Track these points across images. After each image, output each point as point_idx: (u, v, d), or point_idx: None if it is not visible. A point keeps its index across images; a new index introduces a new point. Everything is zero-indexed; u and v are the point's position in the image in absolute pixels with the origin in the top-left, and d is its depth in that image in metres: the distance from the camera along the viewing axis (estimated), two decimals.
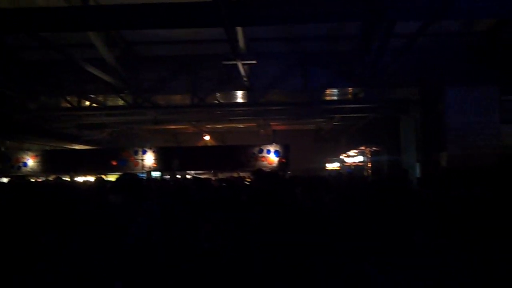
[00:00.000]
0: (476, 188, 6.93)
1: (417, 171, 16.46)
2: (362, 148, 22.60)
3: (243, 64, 13.22)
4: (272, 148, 19.16)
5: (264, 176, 6.31)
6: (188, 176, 18.08)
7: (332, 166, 27.48)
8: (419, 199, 7.01)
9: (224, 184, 9.32)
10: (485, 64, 14.88)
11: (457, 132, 14.21)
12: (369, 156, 21.73)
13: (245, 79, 14.50)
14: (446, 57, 14.90)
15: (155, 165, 19.16)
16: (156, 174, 19.07)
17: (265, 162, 18.87)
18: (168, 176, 18.67)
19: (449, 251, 3.80)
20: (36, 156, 19.49)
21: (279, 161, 18.99)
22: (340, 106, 19.09)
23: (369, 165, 21.52)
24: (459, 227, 4.44)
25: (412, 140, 17.59)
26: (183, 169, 19.19)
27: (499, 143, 13.88)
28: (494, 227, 4.13)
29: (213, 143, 28.24)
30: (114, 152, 19.90)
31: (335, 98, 19.47)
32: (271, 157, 19.02)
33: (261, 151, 19.11)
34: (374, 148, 21.14)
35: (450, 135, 14.28)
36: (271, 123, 25.57)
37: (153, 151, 19.38)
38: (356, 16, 10.94)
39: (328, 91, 18.46)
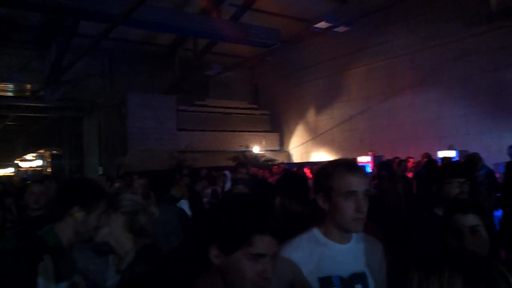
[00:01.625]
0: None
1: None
2: (41, 151, 20.72)
3: None
4: None
5: None
6: None
7: (5, 172, 24.04)
8: None
9: None
10: (165, 75, 16.22)
11: (139, 136, 14.84)
12: (49, 160, 20.12)
13: None
14: (132, 64, 15.41)
15: None
16: None
17: None
18: None
19: None
20: None
21: None
22: (14, 103, 16.86)
23: (49, 169, 19.93)
24: None
25: (95, 143, 17.29)
26: None
27: (175, 147, 15.29)
28: None
29: None
30: None
31: (9, 94, 17.06)
32: None
33: None
34: (55, 151, 19.69)
35: (132, 139, 14.77)
36: None
37: None
38: (33, 6, 9.88)
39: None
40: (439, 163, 6.58)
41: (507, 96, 10.39)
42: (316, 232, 1.63)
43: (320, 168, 1.68)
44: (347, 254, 1.61)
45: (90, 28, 11.73)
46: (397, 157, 8.40)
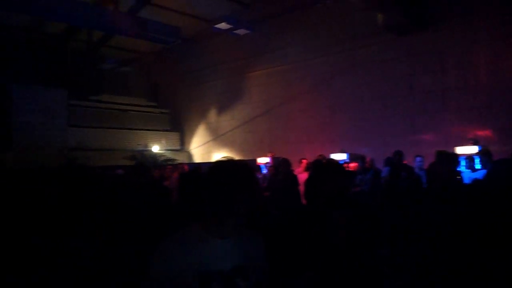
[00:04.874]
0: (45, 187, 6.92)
1: None
2: None
3: None
4: None
5: None
6: None
7: None
8: None
9: None
10: (55, 67, 15.00)
11: (24, 131, 13.54)
12: None
13: None
14: (15, 52, 13.99)
15: None
16: None
17: None
18: None
19: None
20: None
21: None
22: None
23: None
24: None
25: None
26: None
27: (65, 144, 14.22)
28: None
29: None
30: None
31: None
32: None
33: None
34: None
35: (16, 134, 13.43)
36: None
37: None
38: None
39: None
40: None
41: (391, 105, 11.38)
42: (197, 227, 1.66)
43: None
44: (227, 248, 1.66)
45: None
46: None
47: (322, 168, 2.46)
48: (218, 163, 1.69)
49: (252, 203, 1.61)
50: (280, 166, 7.56)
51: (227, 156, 1.74)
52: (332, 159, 8.96)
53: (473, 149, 8.39)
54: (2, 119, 13.86)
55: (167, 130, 17.91)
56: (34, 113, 13.76)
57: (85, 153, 13.86)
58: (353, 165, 7.76)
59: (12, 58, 13.64)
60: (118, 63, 14.92)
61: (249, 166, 1.69)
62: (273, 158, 11.82)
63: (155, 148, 16.27)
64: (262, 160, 12.03)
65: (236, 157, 12.35)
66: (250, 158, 13.09)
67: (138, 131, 16.66)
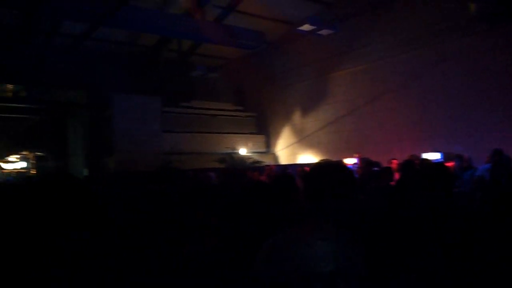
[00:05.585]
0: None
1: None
2: (25, 153, 20.36)
3: None
4: None
5: None
6: None
7: None
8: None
9: None
10: (149, 76, 16.09)
11: (124, 137, 14.67)
12: (34, 161, 19.79)
13: None
14: (114, 64, 15.22)
15: None
16: None
17: None
18: None
19: None
20: None
21: None
22: None
23: (33, 171, 19.59)
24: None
25: (80, 145, 17.05)
26: None
27: (160, 149, 15.16)
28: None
29: None
30: None
31: None
32: None
33: None
34: (38, 153, 19.37)
35: (117, 140, 14.61)
36: None
37: None
38: (11, 3, 9.76)
39: None
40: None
41: (486, 99, 10.53)
42: (298, 229, 1.68)
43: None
44: (327, 250, 1.65)
45: (72, 28, 11.60)
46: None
47: (417, 168, 2.38)
48: (317, 165, 1.71)
49: (352, 205, 1.62)
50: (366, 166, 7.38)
51: (326, 159, 1.77)
52: (426, 159, 8.56)
53: None
54: (106, 126, 15.18)
55: (253, 133, 18.29)
56: (132, 120, 14.87)
57: (178, 157, 14.63)
58: (449, 164, 7.33)
59: (113, 70, 14.85)
60: (207, 70, 15.61)
61: (348, 168, 1.70)
62: (360, 159, 11.56)
63: (242, 151, 16.69)
64: (349, 161, 11.82)
65: (322, 158, 12.29)
66: (336, 159, 12.92)
67: (226, 134, 17.22)
